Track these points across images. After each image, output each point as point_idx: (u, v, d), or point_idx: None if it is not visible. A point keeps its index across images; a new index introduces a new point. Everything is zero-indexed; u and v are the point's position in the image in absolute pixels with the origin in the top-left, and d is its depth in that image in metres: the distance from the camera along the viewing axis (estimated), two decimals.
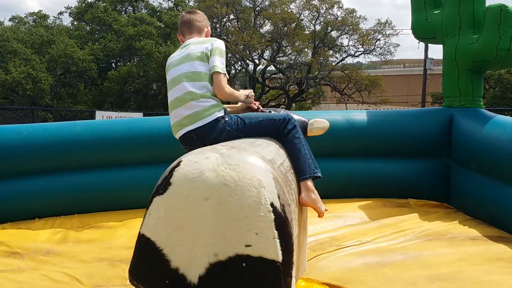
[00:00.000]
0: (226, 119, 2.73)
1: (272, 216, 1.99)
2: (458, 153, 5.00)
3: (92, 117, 18.33)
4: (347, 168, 5.21)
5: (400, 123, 5.30)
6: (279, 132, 2.81)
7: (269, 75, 28.17)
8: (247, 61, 26.78)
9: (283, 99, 28.38)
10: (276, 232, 1.98)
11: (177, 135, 2.80)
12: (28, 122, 20.28)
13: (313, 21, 26.83)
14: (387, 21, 29.50)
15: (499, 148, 4.27)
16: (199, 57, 2.81)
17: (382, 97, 26.28)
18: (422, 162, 5.28)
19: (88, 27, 29.02)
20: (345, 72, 25.98)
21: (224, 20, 27.37)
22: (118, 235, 4.43)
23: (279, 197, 2.08)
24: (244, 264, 1.96)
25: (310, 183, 2.67)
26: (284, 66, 26.92)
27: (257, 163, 2.14)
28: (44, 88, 22.89)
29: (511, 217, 4.14)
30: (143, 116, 17.47)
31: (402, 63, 46.82)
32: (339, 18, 26.15)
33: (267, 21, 26.34)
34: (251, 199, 2.00)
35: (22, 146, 4.82)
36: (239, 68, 27.90)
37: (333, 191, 4.97)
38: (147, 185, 3.72)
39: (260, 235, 1.97)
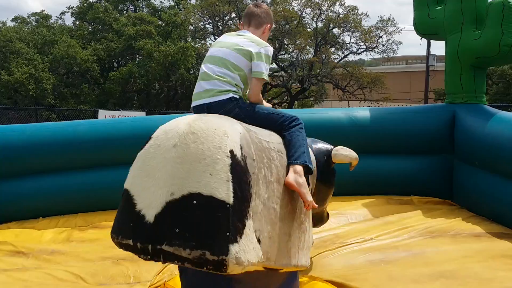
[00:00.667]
0: (240, 101, 2.82)
1: (229, 161, 2.11)
2: (461, 149, 4.99)
3: (95, 116, 18.35)
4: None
5: (403, 120, 5.30)
6: (284, 126, 2.86)
7: (271, 73, 28.15)
8: None
9: (285, 97, 28.37)
10: (230, 175, 2.09)
11: (192, 105, 2.88)
12: (32, 122, 20.32)
13: (315, 18, 26.79)
14: (389, 18, 29.47)
15: (502, 144, 4.26)
16: (245, 53, 2.87)
17: (384, 94, 26.23)
18: (425, 159, 5.27)
19: (90, 27, 29.05)
20: (347, 69, 25.93)
21: (226, 18, 27.37)
22: None
23: (241, 148, 2.20)
24: (194, 202, 2.06)
25: (299, 168, 2.70)
26: (286, 64, 26.90)
27: (229, 122, 2.34)
28: (47, 88, 22.93)
29: None
30: (146, 115, 17.48)
31: (404, 59, 46.69)
32: (341, 16, 26.10)
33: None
34: (212, 144, 2.15)
35: (25, 146, 4.84)
36: None
37: (336, 188, 4.96)
38: None
39: (214, 175, 2.09)
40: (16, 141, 4.85)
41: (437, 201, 5.08)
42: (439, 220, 4.43)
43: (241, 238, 2.10)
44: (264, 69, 2.85)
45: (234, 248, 2.06)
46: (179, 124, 2.25)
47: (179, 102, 26.89)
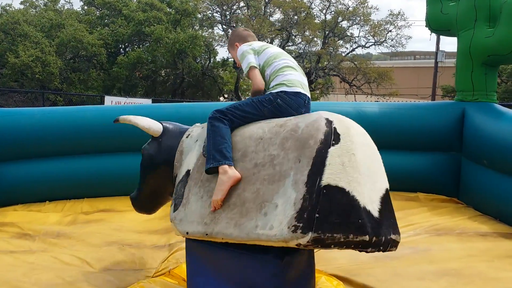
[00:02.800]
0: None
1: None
2: (470, 148, 4.97)
3: (102, 102, 18.36)
4: None
5: (412, 116, 5.27)
6: None
7: None
8: None
9: None
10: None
11: (293, 90, 2.86)
12: (38, 105, 20.37)
13: (324, 10, 26.64)
14: (399, 12, 29.23)
15: (511, 143, 4.24)
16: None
17: (392, 89, 26.11)
18: (432, 156, 5.25)
19: (98, 12, 28.97)
20: (355, 63, 25.80)
21: (234, 7, 27.24)
22: (128, 219, 4.47)
23: None
24: (389, 195, 2.45)
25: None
26: (293, 55, 26.79)
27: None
28: (53, 72, 22.92)
29: None
30: (152, 102, 17.48)
31: (412, 55, 46.48)
32: (350, 8, 25.96)
33: (277, 9, 26.17)
34: (373, 143, 2.55)
35: (34, 130, 4.85)
36: None
37: None
38: None
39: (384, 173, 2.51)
40: (25, 124, 4.86)
41: (444, 198, 5.07)
42: (445, 218, 4.43)
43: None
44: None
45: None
46: (351, 123, 2.49)
47: (184, 91, 26.84)
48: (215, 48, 27.99)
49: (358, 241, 2.21)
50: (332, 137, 2.33)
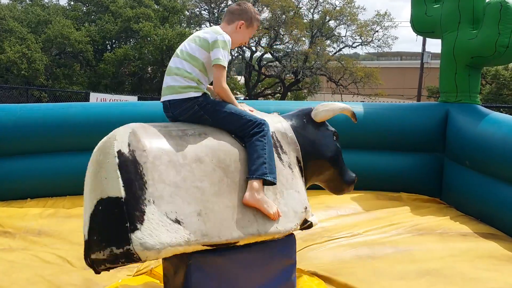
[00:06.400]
0: (200, 99, 2.81)
1: (117, 160, 2.39)
2: (452, 148, 5.01)
3: (87, 98, 18.20)
4: None
5: (396, 117, 5.30)
6: (245, 133, 2.80)
7: (265, 62, 28.04)
8: (244, 47, 26.63)
9: (279, 88, 28.30)
10: (119, 173, 2.36)
11: (161, 100, 2.95)
12: (23, 101, 20.14)
13: (312, 10, 26.71)
14: (385, 12, 29.36)
15: (493, 145, 4.28)
16: (203, 44, 2.86)
17: (377, 89, 26.24)
18: (416, 157, 5.29)
19: (84, 8, 28.73)
20: (342, 62, 25.88)
21: (222, 5, 27.18)
22: None
23: (129, 145, 2.45)
24: (100, 207, 2.38)
25: (256, 184, 2.66)
26: (281, 54, 26.79)
27: (130, 124, 2.61)
28: (39, 68, 22.69)
29: (502, 215, 4.17)
30: (138, 99, 17.37)
31: (398, 55, 46.75)
32: (337, 8, 26.02)
33: (265, 8, 26.16)
34: (104, 152, 2.45)
35: (16, 126, 4.79)
36: (235, 54, 27.72)
37: None
38: None
39: (108, 178, 2.38)
40: (7, 121, 4.80)
41: (426, 199, 5.11)
42: (427, 218, 4.45)
43: (142, 224, 2.30)
44: (221, 55, 2.80)
45: (136, 236, 2.28)
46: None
47: None
48: None
49: None
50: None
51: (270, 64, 27.88)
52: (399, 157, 5.29)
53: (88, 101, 16.81)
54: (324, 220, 4.36)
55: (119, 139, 2.46)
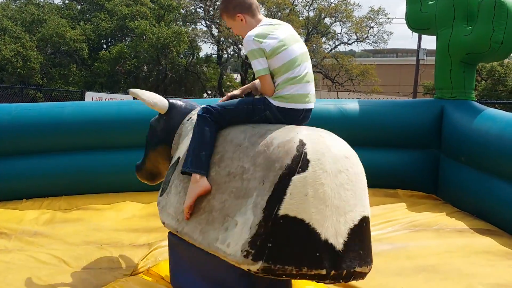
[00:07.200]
0: None
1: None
2: (448, 145, 5.02)
3: (82, 98, 18.16)
4: None
5: (392, 114, 5.30)
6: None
7: None
8: (240, 45, 26.60)
9: None
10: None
11: (300, 106, 2.69)
12: (17, 100, 20.08)
13: (307, 7, 26.72)
14: (380, 8, 29.39)
15: (488, 141, 4.29)
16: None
17: (373, 86, 26.28)
18: (412, 153, 5.29)
19: (79, 6, 28.63)
20: (337, 59, 25.90)
21: (218, 3, 27.13)
22: (106, 218, 4.42)
23: None
24: (364, 224, 2.28)
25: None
26: None
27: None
28: (34, 67, 22.62)
29: (498, 210, 4.18)
30: (134, 98, 17.32)
31: (394, 52, 46.79)
32: (332, 5, 26.02)
33: (260, 5, 26.13)
34: (359, 166, 2.41)
35: (11, 126, 4.76)
36: (231, 52, 27.75)
37: None
38: None
39: (367, 196, 2.38)
40: (1, 120, 4.76)
41: (422, 195, 5.11)
42: (424, 214, 4.46)
43: None
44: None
45: None
46: (328, 145, 2.32)
47: (167, 87, 26.68)
48: (199, 44, 27.88)
49: (313, 274, 2.14)
50: (299, 164, 2.20)
51: None
52: (395, 154, 5.29)
53: (84, 100, 16.77)
54: None
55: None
